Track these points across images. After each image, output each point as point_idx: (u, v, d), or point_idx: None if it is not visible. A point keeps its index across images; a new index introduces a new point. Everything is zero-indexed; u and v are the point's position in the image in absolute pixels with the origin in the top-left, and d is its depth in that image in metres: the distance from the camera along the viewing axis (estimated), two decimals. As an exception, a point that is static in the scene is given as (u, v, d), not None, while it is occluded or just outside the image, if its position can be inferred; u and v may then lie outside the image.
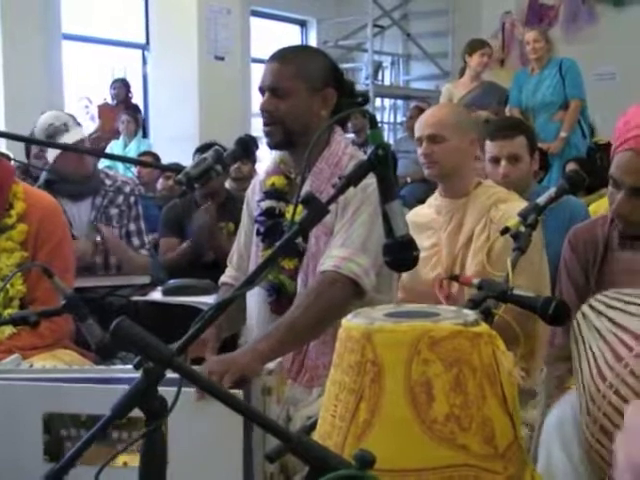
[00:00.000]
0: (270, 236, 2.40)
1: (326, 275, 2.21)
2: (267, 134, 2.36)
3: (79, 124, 3.83)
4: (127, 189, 3.86)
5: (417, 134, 2.76)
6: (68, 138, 3.65)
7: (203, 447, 1.79)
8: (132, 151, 7.65)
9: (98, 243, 3.70)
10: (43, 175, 3.82)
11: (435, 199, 2.82)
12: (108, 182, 3.83)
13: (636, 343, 1.63)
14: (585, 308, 1.84)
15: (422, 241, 2.72)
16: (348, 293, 2.21)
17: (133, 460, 1.68)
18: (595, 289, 2.18)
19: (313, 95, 2.33)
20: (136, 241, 3.86)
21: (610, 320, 1.74)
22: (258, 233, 2.45)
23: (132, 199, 3.85)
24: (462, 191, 2.72)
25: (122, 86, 8.18)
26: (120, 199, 3.81)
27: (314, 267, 2.28)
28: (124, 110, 8.02)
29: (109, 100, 8.17)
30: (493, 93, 6.85)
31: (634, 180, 2.03)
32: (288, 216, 2.38)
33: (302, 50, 2.56)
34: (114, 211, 3.79)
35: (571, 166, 5.76)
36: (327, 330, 2.20)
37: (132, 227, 3.85)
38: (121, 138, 7.80)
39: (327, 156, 2.35)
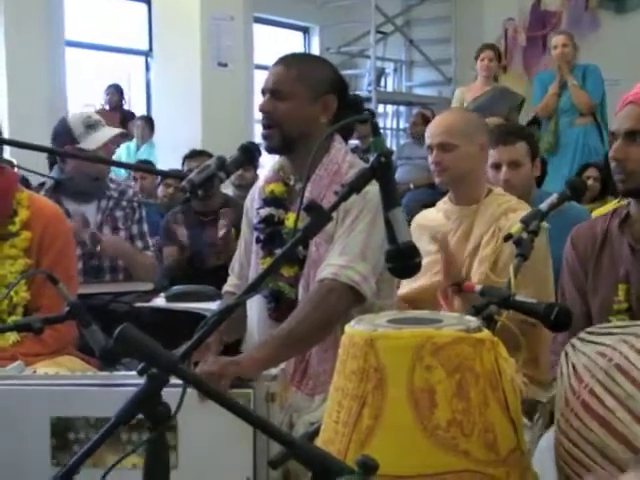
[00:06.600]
0: (269, 244, 2.40)
1: (324, 283, 2.21)
2: (265, 137, 2.36)
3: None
4: (130, 192, 3.89)
5: (427, 142, 2.76)
6: (108, 132, 3.68)
7: (213, 450, 1.79)
8: (143, 156, 7.68)
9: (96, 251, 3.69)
10: (54, 172, 3.82)
11: (445, 203, 2.81)
12: (113, 186, 3.85)
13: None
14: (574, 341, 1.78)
15: (427, 245, 2.71)
16: (347, 301, 2.21)
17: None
18: (592, 281, 2.18)
19: (313, 101, 2.34)
20: (139, 244, 3.87)
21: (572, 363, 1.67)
22: (257, 241, 2.44)
23: (135, 202, 3.87)
24: (473, 198, 2.72)
25: (115, 92, 8.16)
26: (124, 202, 3.82)
27: (315, 274, 2.28)
28: (133, 115, 8.04)
29: (104, 106, 8.16)
30: (504, 98, 6.80)
31: (630, 124, 2.06)
32: (287, 223, 2.38)
33: (307, 56, 2.58)
34: (119, 213, 3.80)
35: (591, 172, 5.75)
36: (328, 337, 2.20)
37: (135, 230, 3.86)
38: (134, 141, 7.82)
39: (326, 163, 2.34)
